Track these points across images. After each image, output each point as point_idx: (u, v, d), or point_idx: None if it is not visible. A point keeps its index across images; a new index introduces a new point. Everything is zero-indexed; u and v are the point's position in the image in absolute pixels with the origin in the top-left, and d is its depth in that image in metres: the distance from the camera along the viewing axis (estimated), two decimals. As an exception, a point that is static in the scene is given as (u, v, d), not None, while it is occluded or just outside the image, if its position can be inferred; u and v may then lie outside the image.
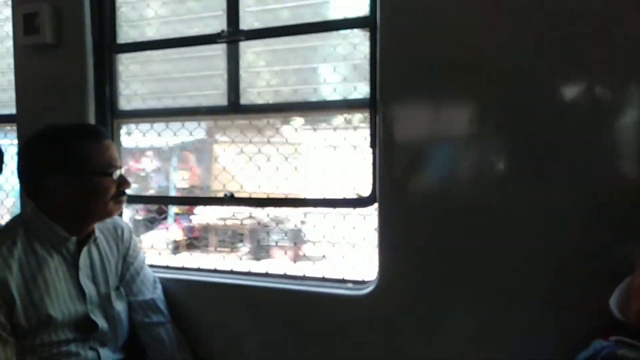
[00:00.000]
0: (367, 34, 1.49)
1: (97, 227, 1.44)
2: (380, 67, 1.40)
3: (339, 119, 1.63)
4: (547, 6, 1.24)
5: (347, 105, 1.55)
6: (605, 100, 1.22)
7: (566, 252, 1.25)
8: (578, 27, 1.22)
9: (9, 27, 1.91)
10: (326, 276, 1.58)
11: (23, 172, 1.35)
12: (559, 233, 1.25)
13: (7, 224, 1.40)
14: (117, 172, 1.36)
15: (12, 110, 1.88)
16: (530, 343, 1.28)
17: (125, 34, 1.83)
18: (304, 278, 1.59)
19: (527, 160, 1.27)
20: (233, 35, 1.64)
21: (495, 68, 1.29)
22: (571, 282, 1.24)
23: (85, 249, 1.40)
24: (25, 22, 1.77)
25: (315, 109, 1.60)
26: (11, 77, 1.88)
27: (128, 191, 1.41)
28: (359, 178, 1.54)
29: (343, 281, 1.55)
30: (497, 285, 1.31)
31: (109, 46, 1.79)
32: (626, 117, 1.20)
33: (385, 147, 1.40)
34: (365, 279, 1.52)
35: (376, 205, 1.45)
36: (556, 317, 1.25)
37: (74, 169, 1.30)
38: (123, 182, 1.38)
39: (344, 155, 1.60)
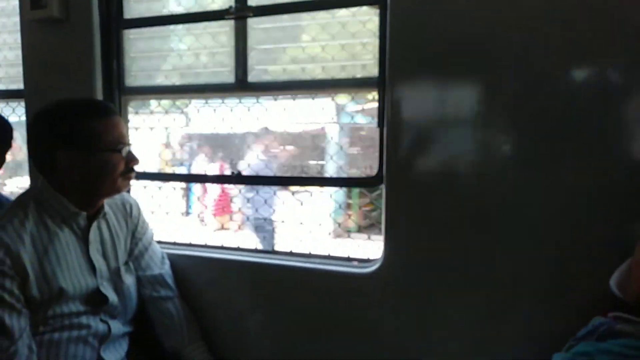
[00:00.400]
0: (377, 11, 1.47)
1: (106, 203, 1.46)
2: (390, 46, 1.39)
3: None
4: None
5: (356, 84, 1.54)
6: (615, 84, 1.21)
7: (573, 232, 1.25)
8: (588, 10, 1.20)
9: (16, 2, 1.90)
10: (332, 254, 1.59)
11: (33, 147, 1.36)
12: (566, 213, 1.26)
13: (19, 197, 1.42)
14: (126, 149, 1.37)
15: (20, 85, 1.89)
16: (533, 320, 1.30)
17: (132, 9, 1.82)
18: (309, 256, 1.60)
19: (534, 142, 1.27)
20: (241, 12, 1.62)
21: (505, 50, 1.27)
22: (575, 262, 1.25)
23: (95, 224, 1.42)
24: (31, -4, 1.76)
25: (324, 87, 1.59)
26: (19, 52, 1.88)
27: (136, 167, 1.42)
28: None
29: (349, 259, 1.57)
30: (502, 263, 1.32)
31: (116, 21, 1.78)
32: (636, 101, 1.19)
33: (392, 126, 1.40)
34: (371, 257, 1.54)
35: (383, 184, 1.45)
36: (559, 295, 1.27)
37: (82, 145, 1.30)
38: (131, 158, 1.39)
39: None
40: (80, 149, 1.30)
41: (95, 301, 1.39)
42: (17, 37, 1.89)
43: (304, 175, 1.60)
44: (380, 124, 1.46)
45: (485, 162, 1.32)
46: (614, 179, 1.21)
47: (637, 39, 1.17)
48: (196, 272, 1.65)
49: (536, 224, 1.28)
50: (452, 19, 1.31)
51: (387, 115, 1.41)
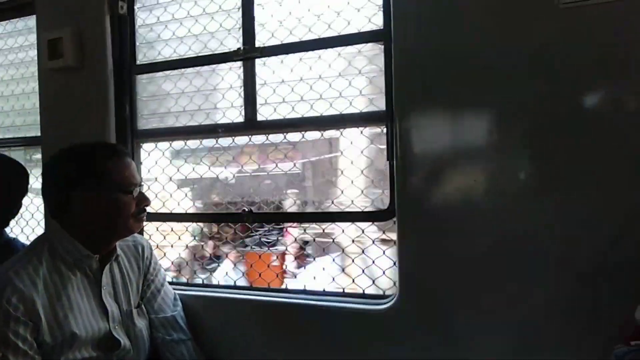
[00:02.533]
0: (382, 47, 1.49)
1: (119, 244, 1.46)
2: (396, 79, 1.40)
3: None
4: (561, 14, 1.22)
5: (364, 119, 1.55)
6: (628, 104, 1.19)
7: (592, 260, 1.21)
8: (599, 31, 1.19)
9: (33, 53, 1.98)
10: (346, 290, 1.56)
11: (47, 189, 1.38)
12: (585, 241, 1.22)
13: (33, 242, 1.43)
14: (137, 190, 1.38)
15: (37, 132, 1.94)
16: (557, 351, 1.24)
17: (144, 54, 1.87)
18: (323, 293, 1.58)
19: (549, 166, 1.25)
20: (249, 53, 1.66)
21: (513, 77, 1.27)
22: (596, 290, 1.21)
23: (107, 267, 1.42)
24: (49, 47, 1.83)
25: (332, 123, 1.60)
26: (36, 100, 1.94)
27: (148, 209, 1.43)
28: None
29: (363, 296, 1.53)
30: (520, 296, 1.28)
31: (128, 67, 1.84)
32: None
33: (403, 159, 1.39)
34: (386, 293, 1.50)
35: (395, 218, 1.43)
36: (580, 326, 1.22)
37: (95, 186, 1.32)
38: (143, 199, 1.40)
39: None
40: (92, 190, 1.32)
41: (107, 345, 1.37)
42: (34, 85, 1.95)
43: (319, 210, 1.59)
44: (390, 157, 1.45)
45: (499, 192, 1.30)
46: (635, 203, 1.17)
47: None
48: (209, 313, 1.63)
49: (555, 251, 1.24)
50: (456, 49, 1.32)
51: (396, 148, 1.40)
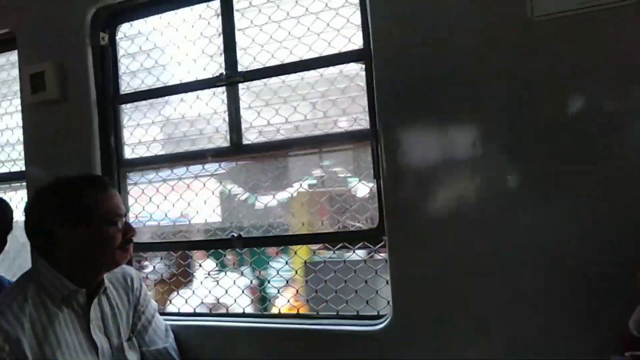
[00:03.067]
0: (363, 66, 1.50)
1: (106, 277, 1.43)
2: (378, 97, 1.40)
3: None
4: (541, 26, 1.24)
5: (349, 138, 1.55)
6: (616, 106, 1.20)
7: (585, 269, 1.20)
8: (579, 38, 1.21)
9: (16, 87, 1.97)
10: (340, 313, 1.54)
11: (30, 225, 1.36)
12: (577, 248, 1.21)
13: (18, 280, 1.40)
14: (123, 220, 1.36)
15: (22, 167, 1.92)
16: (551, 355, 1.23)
17: (127, 84, 1.87)
18: (317, 317, 1.55)
19: (537, 173, 1.25)
20: (231, 78, 1.66)
21: (494, 87, 1.28)
22: (589, 299, 1.20)
23: (95, 301, 1.39)
24: (32, 81, 1.83)
25: (318, 144, 1.60)
26: (20, 134, 1.93)
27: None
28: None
29: (358, 317, 1.51)
30: (515, 308, 1.27)
31: (112, 97, 1.84)
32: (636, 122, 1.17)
33: (389, 176, 1.38)
34: (380, 313, 1.48)
35: (385, 236, 1.42)
36: (573, 336, 1.21)
37: (80, 219, 1.30)
38: (129, 229, 1.38)
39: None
40: (77, 223, 1.30)
41: None
42: (18, 119, 1.94)
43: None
44: (377, 175, 1.44)
45: (488, 201, 1.30)
46: (628, 205, 1.17)
47: (632, 59, 1.17)
48: (202, 343, 1.60)
49: (546, 261, 1.24)
50: (437, 64, 1.33)
51: (382, 165, 1.40)
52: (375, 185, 1.46)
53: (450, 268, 1.33)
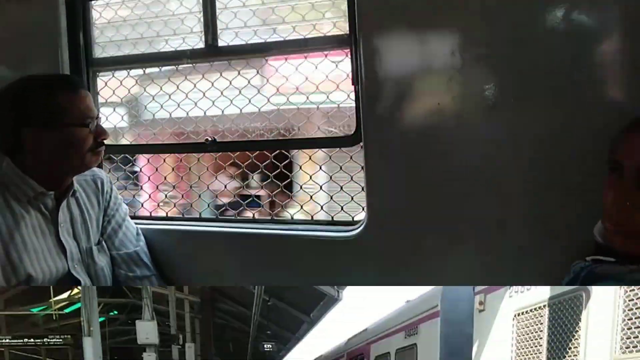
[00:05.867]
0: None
1: (76, 180, 1.39)
2: (358, 2, 1.33)
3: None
4: None
5: (327, 42, 1.49)
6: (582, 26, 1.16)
7: (554, 182, 1.21)
8: None
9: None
10: (315, 218, 1.56)
11: None
12: (547, 162, 1.22)
13: (-18, 180, 1.37)
14: (94, 123, 1.32)
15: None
16: (519, 271, 1.27)
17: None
18: (292, 222, 1.57)
19: (513, 86, 1.22)
20: (207, -27, 1.55)
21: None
22: (558, 210, 1.22)
23: (64, 204, 1.36)
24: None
25: (295, 47, 1.53)
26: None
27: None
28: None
29: (332, 222, 1.53)
30: (486, 218, 1.29)
31: (81, -8, 1.71)
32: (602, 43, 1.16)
33: (368, 82, 1.35)
34: (355, 219, 1.50)
35: (362, 143, 1.41)
36: (542, 245, 1.24)
37: (48, 121, 1.26)
38: (100, 132, 1.33)
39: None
40: (46, 125, 1.26)
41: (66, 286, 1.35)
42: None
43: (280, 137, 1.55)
44: (356, 81, 1.40)
45: (464, 114, 1.28)
46: (600, 122, 1.16)
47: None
48: (174, 247, 1.60)
49: (518, 173, 1.24)
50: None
51: (360, 72, 1.35)
52: (354, 92, 1.42)
53: (426, 176, 1.33)
